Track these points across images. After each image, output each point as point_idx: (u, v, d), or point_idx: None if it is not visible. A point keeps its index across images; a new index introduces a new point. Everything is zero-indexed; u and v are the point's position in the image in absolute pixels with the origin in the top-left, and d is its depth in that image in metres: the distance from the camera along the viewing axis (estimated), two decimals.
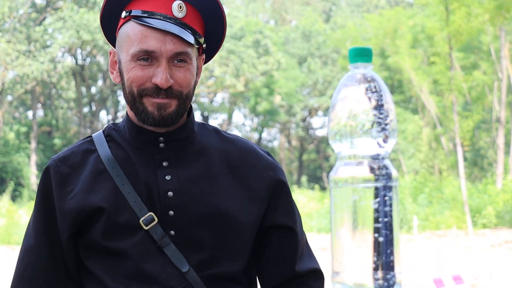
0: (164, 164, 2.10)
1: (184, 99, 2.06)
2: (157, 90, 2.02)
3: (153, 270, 2.06)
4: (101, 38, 37.01)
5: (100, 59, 42.08)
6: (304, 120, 49.45)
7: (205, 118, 48.61)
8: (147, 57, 2.02)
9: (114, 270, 2.08)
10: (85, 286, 2.14)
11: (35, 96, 43.10)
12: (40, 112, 46.16)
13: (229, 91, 43.63)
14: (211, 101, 48.26)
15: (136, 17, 2.04)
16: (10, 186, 35.96)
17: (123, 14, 2.08)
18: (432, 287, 8.24)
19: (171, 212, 2.07)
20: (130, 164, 2.10)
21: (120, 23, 2.10)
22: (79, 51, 42.49)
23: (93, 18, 36.75)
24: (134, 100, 2.05)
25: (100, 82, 44.87)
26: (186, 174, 2.11)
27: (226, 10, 51.07)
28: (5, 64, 35.91)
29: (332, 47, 44.28)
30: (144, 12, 2.04)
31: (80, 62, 42.97)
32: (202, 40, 2.10)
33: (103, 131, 2.18)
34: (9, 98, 39.99)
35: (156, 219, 2.05)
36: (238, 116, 58.53)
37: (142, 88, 2.02)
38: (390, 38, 36.04)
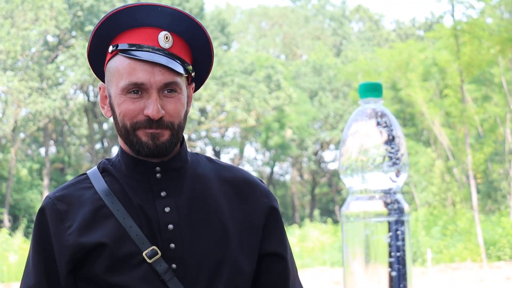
0: (162, 194, 2.10)
1: (177, 130, 2.06)
2: (149, 122, 2.02)
3: None
4: None
5: None
6: (316, 153, 49.42)
7: (217, 153, 48.64)
8: (137, 89, 2.02)
9: None
10: None
11: (48, 133, 43.24)
12: (53, 149, 46.29)
13: (241, 125, 43.68)
14: (223, 136, 48.33)
15: (123, 51, 2.05)
16: (23, 223, 36.01)
17: (110, 48, 2.08)
18: None
19: (172, 245, 2.06)
20: (128, 197, 2.10)
21: (107, 58, 2.10)
22: (91, 88, 42.70)
23: None
24: (127, 133, 2.06)
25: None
26: (184, 204, 2.11)
27: (236, 45, 51.38)
28: (18, 101, 36.08)
29: (343, 80, 44.36)
30: (131, 45, 2.04)
31: (92, 99, 43.15)
32: (190, 68, 2.10)
33: (98, 167, 2.18)
34: (22, 135, 40.15)
35: (160, 253, 2.05)
36: (249, 151, 58.50)
37: (135, 121, 2.03)
38: (402, 71, 36.10)
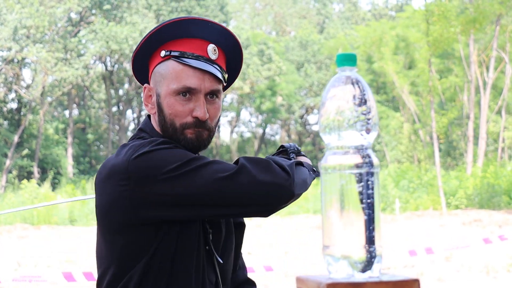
0: None
1: (213, 131, 2.07)
2: (197, 122, 2.01)
3: (199, 259, 2.01)
4: (127, 47, 37.00)
5: (127, 65, 42.06)
6: (302, 117, 49.43)
7: None
8: (186, 92, 2.00)
9: (187, 269, 2.00)
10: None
11: (71, 97, 43.15)
12: (75, 111, 46.20)
13: (237, 92, 43.62)
14: (222, 101, 48.25)
15: (177, 57, 2.02)
16: (50, 175, 36.09)
17: (162, 53, 2.04)
18: (408, 257, 8.27)
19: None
20: None
21: (157, 61, 2.06)
22: (108, 59, 42.53)
23: (120, 31, 36.76)
24: (175, 131, 2.02)
25: (126, 85, 44.87)
26: None
27: (234, 23, 51.07)
28: (46, 70, 35.94)
29: (326, 54, 44.21)
30: (183, 53, 2.02)
31: (109, 68, 42.98)
32: (226, 77, 2.12)
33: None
34: (49, 99, 40.03)
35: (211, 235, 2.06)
36: (245, 114, 58.54)
37: (184, 122, 2.01)
38: (376, 46, 36.02)
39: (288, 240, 16.63)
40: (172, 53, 2.03)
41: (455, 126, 36.64)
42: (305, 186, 2.00)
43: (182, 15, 25.87)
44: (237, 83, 40.82)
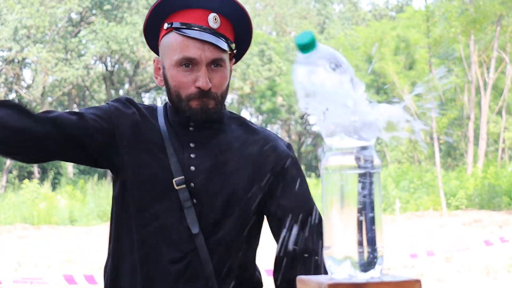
0: (191, 145, 2.12)
1: (221, 100, 2.09)
2: (200, 92, 2.04)
3: (171, 226, 2.07)
4: (127, 48, 37.00)
5: (127, 65, 42.08)
6: (302, 117, 49.44)
7: None
8: (188, 63, 2.03)
9: (141, 215, 2.09)
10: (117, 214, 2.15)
11: (71, 97, 43.15)
12: None
13: (238, 92, 43.62)
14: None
15: (177, 29, 2.05)
16: (51, 175, 36.09)
17: (165, 25, 2.08)
18: (408, 257, 8.28)
19: (192, 184, 2.08)
20: (170, 138, 2.12)
21: (162, 34, 2.10)
22: (108, 59, 42.53)
23: (121, 31, 36.75)
24: (180, 102, 2.07)
25: (126, 86, 44.88)
26: (208, 155, 2.12)
27: None
28: (46, 70, 35.95)
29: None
30: (183, 24, 2.05)
31: (109, 68, 42.98)
32: (233, 46, 2.12)
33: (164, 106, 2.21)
34: (49, 99, 40.06)
35: (185, 185, 2.07)
36: (245, 114, 58.44)
37: (188, 93, 2.04)
38: (376, 46, 36.01)
39: None
40: (174, 25, 2.06)
41: (455, 126, 36.64)
42: None
43: None
44: (237, 83, 40.83)
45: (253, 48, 41.41)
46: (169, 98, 2.12)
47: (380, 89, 42.55)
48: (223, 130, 2.16)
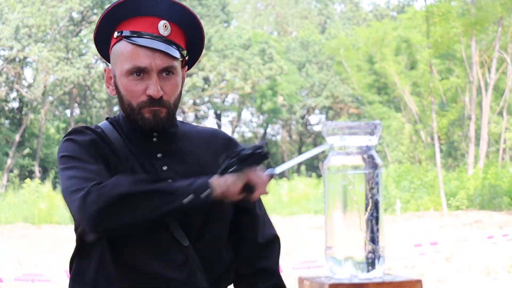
0: (158, 156, 2.09)
1: (173, 108, 2.05)
2: (151, 100, 2.00)
3: (160, 242, 2.03)
4: None
5: None
6: (303, 117, 49.39)
7: (218, 116, 48.58)
8: (139, 72, 2.00)
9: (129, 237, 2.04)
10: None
11: (72, 97, 43.13)
12: (77, 111, 46.19)
13: (238, 92, 43.58)
14: (223, 101, 48.19)
15: (127, 37, 2.02)
16: (51, 174, 36.04)
17: (115, 34, 2.06)
18: (408, 257, 8.26)
19: None
20: (132, 154, 2.07)
21: (112, 42, 2.07)
22: None
23: None
24: (132, 111, 2.04)
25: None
26: (177, 163, 2.09)
27: (235, 23, 51.04)
28: (47, 69, 35.93)
29: (327, 54, 44.18)
30: (133, 32, 2.02)
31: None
32: (185, 53, 2.09)
33: (109, 122, 2.15)
34: (50, 98, 40.00)
35: None
36: (246, 114, 58.37)
37: (140, 101, 2.01)
38: (377, 47, 35.98)
39: (289, 240, 16.61)
40: (124, 33, 2.03)
41: (456, 126, 36.62)
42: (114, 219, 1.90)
43: None
44: (238, 82, 40.82)
45: (254, 48, 41.38)
46: (121, 108, 2.08)
47: (381, 89, 42.51)
48: (182, 136, 2.14)
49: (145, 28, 2.02)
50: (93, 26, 37.63)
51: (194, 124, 2.27)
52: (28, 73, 65.20)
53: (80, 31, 39.88)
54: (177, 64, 2.05)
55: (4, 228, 21.46)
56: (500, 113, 35.72)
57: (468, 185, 26.50)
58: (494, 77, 30.88)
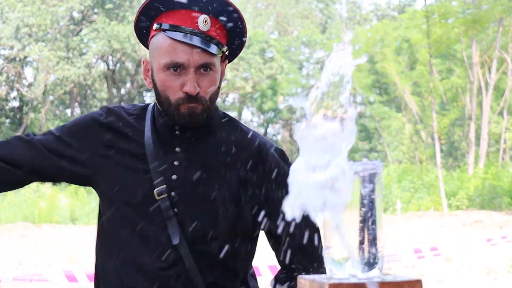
0: (177, 149, 2.07)
1: (209, 104, 2.01)
2: (188, 97, 1.97)
3: (153, 236, 2.03)
4: (129, 47, 37.01)
5: (128, 65, 42.09)
6: (303, 117, 49.45)
7: None
8: (176, 67, 1.97)
9: (123, 224, 2.06)
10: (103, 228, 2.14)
11: (73, 96, 43.17)
12: (77, 110, 46.21)
13: (239, 92, 43.62)
14: (224, 101, 48.25)
15: (165, 30, 1.99)
16: None
17: (155, 26, 2.02)
18: (408, 257, 8.24)
19: (173, 193, 2.04)
20: (154, 142, 2.08)
21: (151, 34, 2.04)
22: (110, 58, 42.53)
23: (122, 30, 36.76)
24: (169, 106, 2.01)
25: (128, 85, 44.90)
26: (193, 161, 2.06)
27: None
28: (48, 68, 35.96)
29: (328, 54, 44.24)
30: (172, 26, 1.98)
31: (111, 67, 42.98)
32: (224, 49, 2.04)
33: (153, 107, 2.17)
34: (51, 98, 40.04)
35: (166, 194, 2.03)
36: (246, 114, 58.41)
37: (177, 97, 1.98)
38: (378, 47, 36.00)
39: None
40: (163, 26, 2.00)
41: (456, 126, 36.63)
42: None
43: None
44: (239, 82, 40.83)
45: (255, 47, 41.40)
46: (158, 101, 2.06)
47: (382, 89, 42.53)
48: (212, 134, 2.09)
49: (185, 22, 1.98)
50: (94, 26, 37.67)
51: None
52: (28, 72, 65.22)
53: (80, 30, 39.89)
54: (216, 60, 2.01)
55: (4, 228, 21.47)
56: (501, 113, 35.74)
57: (468, 185, 26.52)
58: (494, 77, 30.89)
